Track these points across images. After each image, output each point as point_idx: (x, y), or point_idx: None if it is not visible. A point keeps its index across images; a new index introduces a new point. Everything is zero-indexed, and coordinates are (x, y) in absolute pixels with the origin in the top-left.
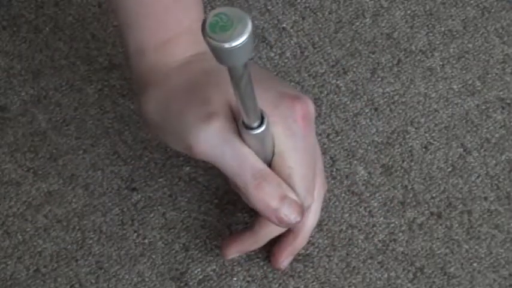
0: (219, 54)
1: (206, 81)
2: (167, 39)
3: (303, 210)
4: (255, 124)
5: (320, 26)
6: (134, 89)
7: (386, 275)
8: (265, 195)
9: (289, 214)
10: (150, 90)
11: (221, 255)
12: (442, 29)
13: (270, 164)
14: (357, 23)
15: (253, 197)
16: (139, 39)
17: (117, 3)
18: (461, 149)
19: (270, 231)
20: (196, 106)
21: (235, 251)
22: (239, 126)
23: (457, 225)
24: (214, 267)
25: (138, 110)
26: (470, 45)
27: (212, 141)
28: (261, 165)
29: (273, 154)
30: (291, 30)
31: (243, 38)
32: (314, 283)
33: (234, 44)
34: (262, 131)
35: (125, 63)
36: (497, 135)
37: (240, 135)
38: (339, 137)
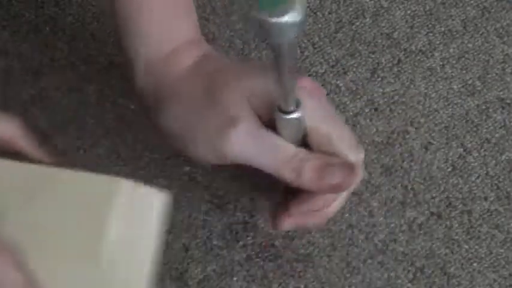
0: (272, 30)
1: (218, 82)
2: (172, 49)
3: (353, 167)
4: (292, 108)
5: (320, 26)
6: (143, 102)
7: (386, 275)
8: (310, 180)
9: (342, 177)
10: (165, 104)
11: (273, 227)
12: (442, 29)
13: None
14: (357, 23)
15: (305, 186)
16: (145, 53)
17: (115, 9)
18: (461, 149)
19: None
20: (217, 112)
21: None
22: (275, 113)
23: (457, 225)
24: (214, 267)
25: (155, 124)
26: (470, 45)
27: (244, 141)
28: (293, 150)
29: (306, 134)
30: None
31: (300, 11)
32: (314, 283)
33: (293, 18)
34: (301, 114)
35: (125, 67)
36: (497, 135)
37: (272, 126)
38: None
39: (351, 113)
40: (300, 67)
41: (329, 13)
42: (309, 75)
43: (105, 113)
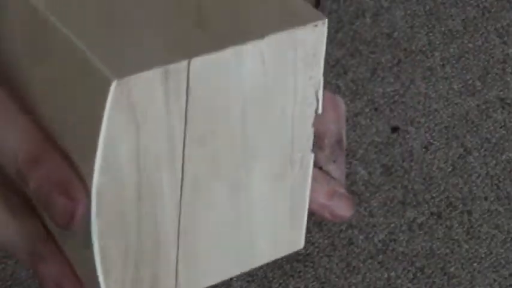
0: None
1: None
2: None
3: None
4: None
5: None
6: None
7: (386, 275)
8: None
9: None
10: None
11: None
12: (442, 29)
13: None
14: (357, 23)
15: None
16: None
17: None
18: (461, 149)
19: None
20: None
21: None
22: None
23: (457, 225)
24: None
25: None
26: (470, 45)
27: None
28: None
29: None
30: None
31: None
32: (314, 283)
33: None
34: None
35: None
36: (497, 135)
37: None
38: None
39: (351, 113)
40: None
41: (329, 13)
42: None
43: None
